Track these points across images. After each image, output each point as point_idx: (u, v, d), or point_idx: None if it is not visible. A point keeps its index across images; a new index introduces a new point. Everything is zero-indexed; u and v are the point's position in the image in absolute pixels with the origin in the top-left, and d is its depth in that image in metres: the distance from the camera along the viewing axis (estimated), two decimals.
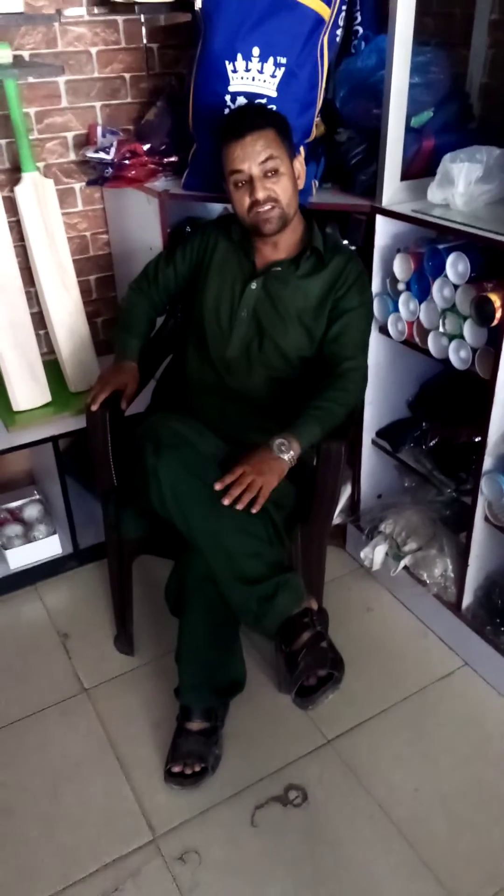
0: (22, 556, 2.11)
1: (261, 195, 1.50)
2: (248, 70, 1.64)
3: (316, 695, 1.38)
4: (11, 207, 2.00)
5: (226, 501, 1.39)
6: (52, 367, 2.13)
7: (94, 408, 1.64)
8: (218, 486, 1.40)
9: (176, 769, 1.57)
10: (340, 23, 1.74)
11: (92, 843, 1.47)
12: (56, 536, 2.15)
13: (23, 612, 2.07)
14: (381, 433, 2.00)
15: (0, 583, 2.09)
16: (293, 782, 1.57)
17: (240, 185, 1.52)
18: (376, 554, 1.96)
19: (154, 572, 1.94)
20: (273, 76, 1.64)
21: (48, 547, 2.14)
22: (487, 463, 1.62)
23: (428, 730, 1.70)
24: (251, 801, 1.54)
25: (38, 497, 2.30)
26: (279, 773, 1.59)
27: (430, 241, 1.66)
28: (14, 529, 2.17)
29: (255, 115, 1.55)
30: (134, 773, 1.61)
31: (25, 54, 1.96)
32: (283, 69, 1.63)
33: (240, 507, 1.39)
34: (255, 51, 1.62)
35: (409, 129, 1.66)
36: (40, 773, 1.62)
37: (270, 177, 1.50)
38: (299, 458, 1.51)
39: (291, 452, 1.47)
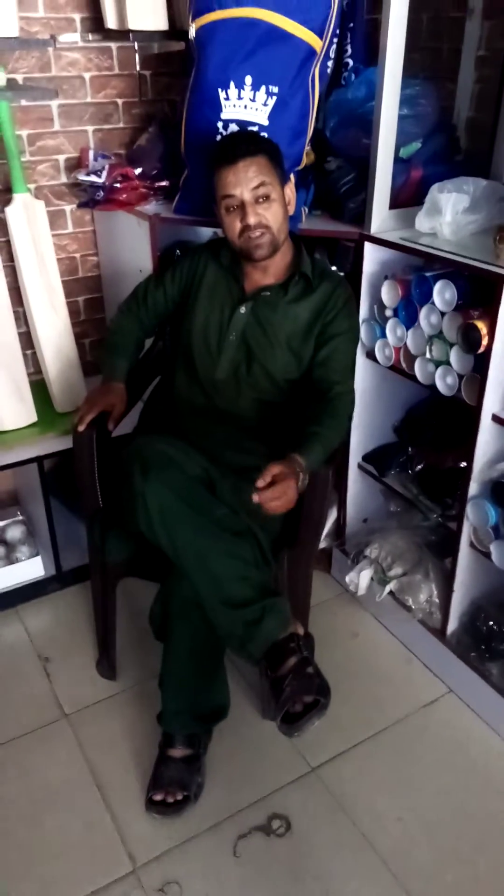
0: (3, 578, 2.08)
1: (252, 220, 1.52)
2: (240, 98, 1.66)
3: (301, 721, 1.36)
4: (2, 228, 2.01)
5: (256, 498, 1.35)
6: (39, 387, 2.12)
7: (80, 428, 1.63)
8: (260, 483, 1.36)
9: (157, 797, 1.54)
10: (332, 55, 1.78)
11: (71, 873, 1.44)
12: (39, 558, 2.13)
13: (3, 635, 2.03)
14: (367, 457, 2.01)
15: None
16: (277, 811, 1.55)
17: (231, 209, 1.54)
18: (362, 579, 1.95)
19: (138, 595, 1.92)
20: (265, 105, 1.67)
21: (30, 569, 2.12)
22: (473, 489, 1.63)
23: (413, 757, 1.68)
24: (234, 831, 1.51)
25: (21, 518, 2.28)
26: (263, 801, 1.57)
27: (418, 268, 1.69)
28: None
29: (247, 142, 1.57)
30: (114, 802, 1.58)
31: (19, 77, 1.97)
32: (274, 98, 1.66)
33: (272, 506, 1.36)
34: (248, 80, 1.65)
35: (397, 160, 1.70)
36: (18, 801, 1.58)
37: (262, 202, 1.52)
38: None
39: (303, 476, 1.46)
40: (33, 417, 2.05)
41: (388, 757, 1.68)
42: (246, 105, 1.67)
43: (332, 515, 2.15)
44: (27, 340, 2.14)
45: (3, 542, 2.18)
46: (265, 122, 1.69)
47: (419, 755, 1.68)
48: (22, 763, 1.66)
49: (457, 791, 1.60)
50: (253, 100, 1.66)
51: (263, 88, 1.65)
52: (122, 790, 1.60)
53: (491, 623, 1.75)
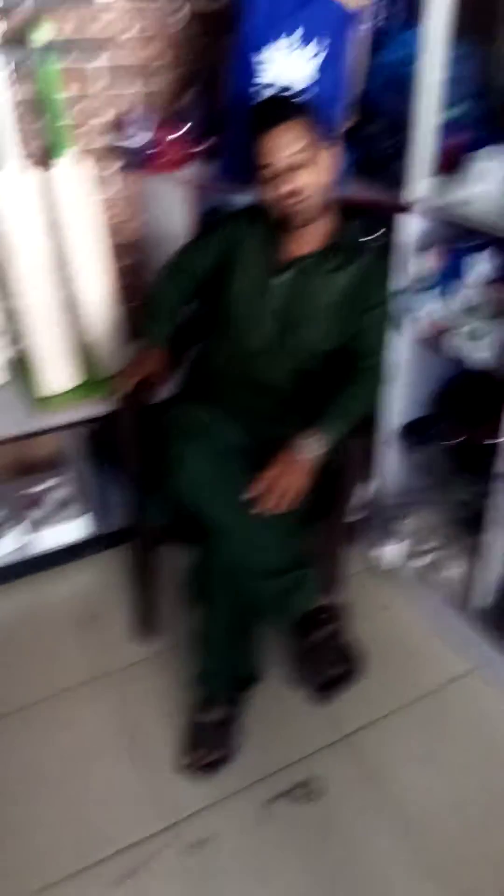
0: (47, 539, 2.14)
1: (291, 187, 1.49)
2: (284, 56, 1.62)
3: (332, 689, 1.39)
4: (47, 190, 2.00)
5: (257, 510, 1.39)
6: (84, 350, 2.14)
7: (123, 393, 1.65)
8: (248, 497, 1.41)
9: (194, 757, 1.59)
10: (375, 15, 1.71)
11: (110, 826, 1.50)
12: (82, 520, 2.18)
13: (47, 595, 2.10)
14: (400, 431, 1.98)
15: (25, 564, 2.12)
16: (308, 776, 1.59)
17: (270, 176, 1.51)
18: (392, 552, 1.95)
19: (178, 559, 1.95)
20: (309, 63, 1.62)
21: (73, 530, 2.17)
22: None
23: (440, 731, 1.69)
24: (266, 793, 1.55)
25: (64, 480, 2.33)
26: (294, 765, 1.61)
27: (457, 238, 1.63)
28: (40, 512, 2.19)
29: (285, 106, 1.53)
30: (152, 759, 1.63)
31: (63, 36, 1.94)
32: (315, 59, 1.61)
33: (273, 511, 1.40)
34: (293, 36, 1.60)
35: (440, 124, 1.63)
36: (59, 755, 1.65)
37: (300, 168, 1.48)
38: None
39: (320, 450, 1.47)
40: (78, 381, 2.08)
41: (416, 729, 1.69)
42: (291, 63, 1.62)
43: (365, 489, 2.14)
44: (72, 304, 2.15)
45: (47, 504, 2.23)
46: (309, 81, 1.64)
47: (446, 729, 1.70)
48: (62, 719, 1.73)
49: (483, 766, 1.61)
50: (297, 57, 1.62)
51: (308, 45, 1.60)
52: (158, 748, 1.65)
53: None
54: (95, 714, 1.74)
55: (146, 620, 1.92)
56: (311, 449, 1.46)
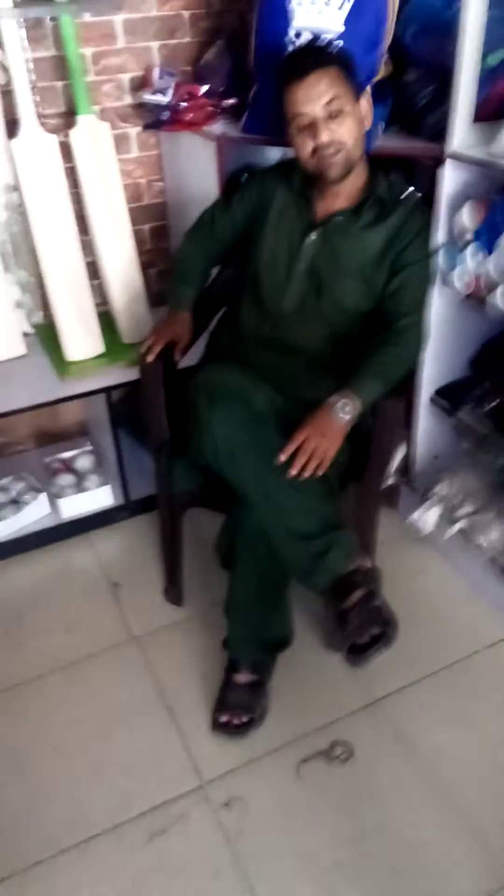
0: (74, 506, 2.14)
1: (325, 138, 1.44)
2: (313, 3, 1.55)
3: (367, 653, 1.37)
4: (66, 153, 1.97)
5: (292, 472, 1.37)
6: (106, 317, 2.12)
7: (148, 359, 1.63)
8: (283, 457, 1.38)
9: (223, 719, 1.59)
10: None
11: (140, 785, 1.51)
12: (108, 487, 2.17)
13: (75, 561, 2.10)
14: (439, 392, 1.94)
15: (53, 531, 2.12)
16: (339, 738, 1.58)
17: (303, 128, 1.46)
18: (430, 516, 1.92)
19: (205, 525, 1.93)
20: (340, 9, 1.55)
21: (100, 497, 2.17)
22: None
23: (475, 696, 1.67)
24: (297, 755, 1.55)
25: (90, 448, 2.32)
26: (326, 728, 1.60)
27: (502, 188, 1.57)
28: (67, 479, 2.19)
29: (317, 54, 1.48)
30: (182, 721, 1.63)
31: None
32: (350, 2, 1.54)
33: (306, 474, 1.37)
34: None
35: (483, 68, 1.56)
36: (90, 715, 1.66)
37: (335, 118, 1.43)
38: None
39: (353, 411, 1.43)
40: (101, 348, 2.06)
41: (450, 694, 1.68)
42: (320, 9, 1.56)
43: (402, 451, 2.10)
44: (93, 270, 2.12)
45: (73, 472, 2.23)
46: (340, 30, 1.58)
47: (482, 694, 1.68)
48: (93, 681, 1.74)
49: None
50: (327, 3, 1.55)
51: None
52: (188, 711, 1.65)
53: None
54: (125, 677, 1.74)
55: (175, 586, 1.91)
56: (345, 410, 1.42)
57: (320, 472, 1.38)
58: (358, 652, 1.37)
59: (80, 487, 2.17)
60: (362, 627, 1.34)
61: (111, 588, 2.00)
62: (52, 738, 1.61)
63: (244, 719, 1.58)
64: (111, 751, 1.58)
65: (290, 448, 1.39)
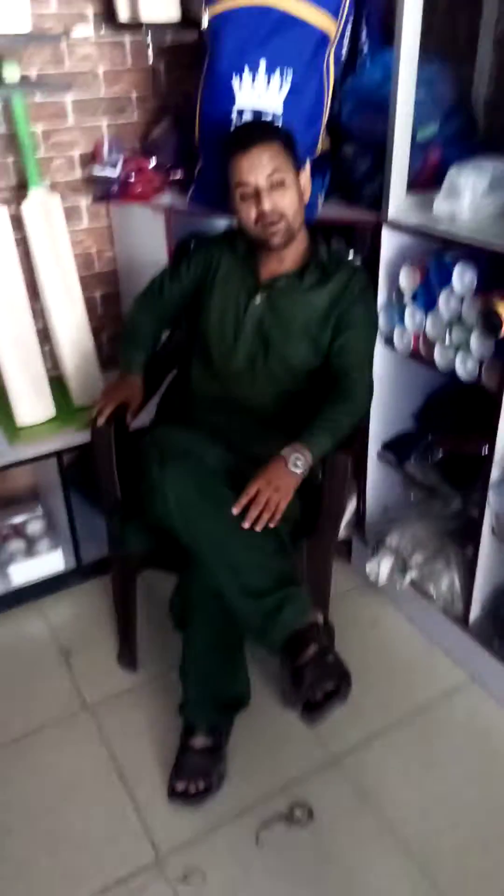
0: (25, 572, 2.09)
1: (267, 207, 1.51)
2: (254, 85, 1.66)
3: (322, 709, 1.35)
4: (18, 224, 2.01)
5: (246, 525, 1.38)
6: (57, 381, 2.13)
7: (99, 422, 1.64)
8: (235, 510, 1.39)
9: (180, 787, 1.54)
10: (346, 39, 1.76)
11: (94, 863, 1.44)
12: (59, 551, 2.14)
13: (25, 629, 2.05)
14: (386, 446, 1.99)
15: (2, 599, 2.07)
16: (298, 799, 1.54)
17: (246, 197, 1.53)
18: (382, 568, 1.94)
19: (158, 587, 1.92)
20: (279, 91, 1.66)
21: (51, 562, 2.13)
22: (495, 474, 1.61)
23: (435, 745, 1.67)
24: (256, 820, 1.51)
25: (41, 512, 2.29)
26: (285, 789, 1.57)
27: (436, 252, 1.67)
28: (17, 545, 2.15)
29: (261, 130, 1.57)
30: (137, 792, 1.58)
31: (33, 73, 1.98)
32: (289, 84, 1.66)
33: (258, 527, 1.38)
34: (262, 65, 1.65)
35: (414, 143, 1.67)
36: (42, 791, 1.59)
37: (276, 189, 1.51)
38: None
39: (304, 465, 1.46)
40: (52, 412, 2.06)
41: (409, 745, 1.66)
42: (260, 93, 1.66)
43: (352, 504, 2.14)
44: (45, 336, 2.15)
45: (23, 536, 2.20)
46: (280, 109, 1.68)
47: (441, 744, 1.67)
48: (45, 753, 1.67)
49: (480, 780, 1.59)
50: (267, 86, 1.66)
51: (277, 74, 1.64)
52: (144, 780, 1.60)
53: None
54: (78, 748, 1.68)
55: (129, 650, 1.88)
56: (296, 464, 1.45)
57: (273, 525, 1.39)
58: (313, 709, 1.35)
59: (30, 553, 2.14)
60: (316, 684, 1.33)
61: (63, 656, 1.94)
62: (1, 814, 1.53)
63: (201, 786, 1.54)
64: (63, 828, 1.51)
65: (244, 501, 1.40)
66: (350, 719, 1.63)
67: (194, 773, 1.54)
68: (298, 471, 1.45)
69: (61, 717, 1.76)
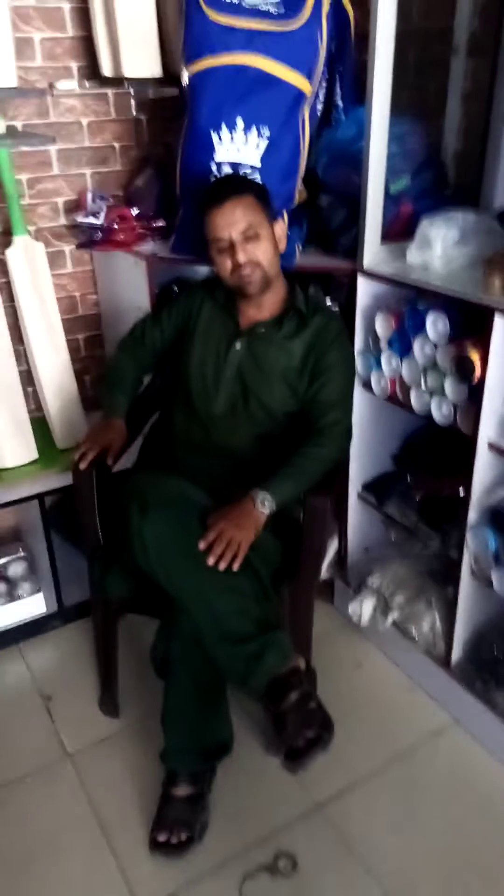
0: (5, 616, 2.08)
1: (242, 258, 1.55)
2: (232, 140, 1.71)
3: (304, 757, 1.34)
4: (2, 269, 2.05)
5: (210, 561, 1.39)
6: (40, 423, 2.14)
7: (81, 466, 1.64)
8: (202, 546, 1.41)
9: (161, 838, 1.52)
10: (321, 96, 1.83)
11: None
12: (40, 595, 2.13)
13: (5, 673, 2.02)
14: (366, 487, 2.02)
15: None
16: (282, 849, 1.52)
17: (222, 249, 1.57)
18: (364, 609, 1.95)
19: (140, 631, 1.91)
20: (257, 147, 1.71)
21: (32, 606, 2.12)
22: (472, 517, 1.63)
23: (418, 790, 1.66)
24: (239, 871, 1.49)
25: (22, 554, 2.28)
26: (268, 839, 1.55)
27: (411, 300, 1.71)
28: None
29: (235, 184, 1.62)
30: (118, 843, 1.55)
31: (18, 124, 2.03)
32: (266, 140, 1.71)
33: (222, 566, 1.39)
34: (240, 122, 1.69)
35: (387, 195, 1.73)
36: (19, 843, 1.56)
37: (251, 241, 1.55)
38: (286, 513, 1.52)
39: (270, 507, 1.48)
40: (34, 454, 2.07)
41: (393, 790, 1.66)
42: (238, 147, 1.71)
43: (333, 546, 2.15)
44: (28, 378, 2.17)
45: (4, 580, 2.18)
46: (258, 164, 1.73)
47: (425, 788, 1.66)
48: (23, 804, 1.64)
49: (463, 824, 1.58)
50: (245, 142, 1.71)
51: (255, 131, 1.70)
52: (125, 831, 1.57)
53: (495, 652, 1.73)
54: (57, 798, 1.66)
55: (110, 696, 1.86)
56: (264, 505, 1.48)
57: (236, 566, 1.40)
58: (295, 757, 1.34)
59: (11, 596, 2.12)
60: (298, 731, 1.32)
61: (43, 701, 1.92)
62: None
63: (183, 837, 1.52)
64: (41, 882, 1.48)
65: (210, 537, 1.42)
66: (334, 765, 1.62)
67: (176, 823, 1.52)
68: (265, 511, 1.48)
69: (41, 765, 1.74)
